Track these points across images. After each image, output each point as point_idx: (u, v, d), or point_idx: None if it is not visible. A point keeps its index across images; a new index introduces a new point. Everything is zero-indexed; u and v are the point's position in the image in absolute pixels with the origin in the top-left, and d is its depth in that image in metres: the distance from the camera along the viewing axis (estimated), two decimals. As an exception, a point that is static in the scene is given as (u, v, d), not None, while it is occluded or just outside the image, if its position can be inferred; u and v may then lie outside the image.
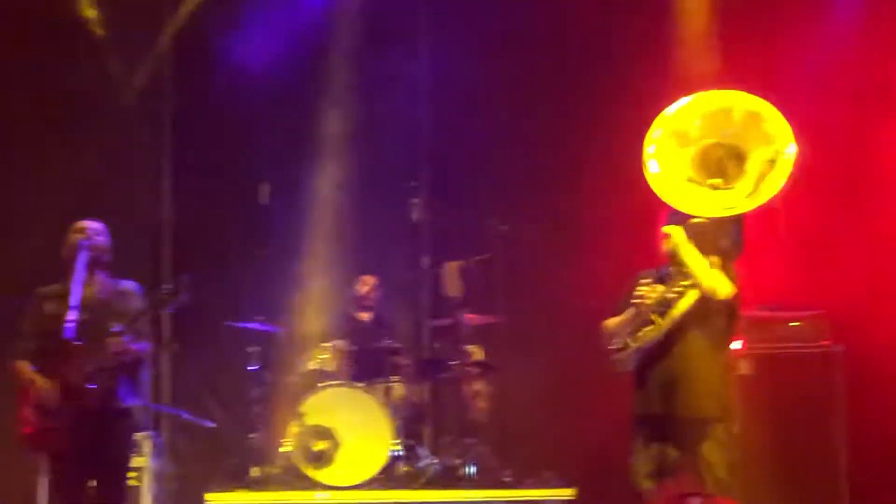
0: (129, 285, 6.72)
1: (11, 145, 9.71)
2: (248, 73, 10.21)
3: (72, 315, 6.28)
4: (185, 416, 9.03)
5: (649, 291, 6.05)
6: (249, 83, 10.23)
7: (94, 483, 6.44)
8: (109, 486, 6.50)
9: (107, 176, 9.69)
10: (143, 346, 6.55)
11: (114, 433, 6.48)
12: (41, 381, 6.38)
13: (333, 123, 10.12)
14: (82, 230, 6.59)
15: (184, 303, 6.49)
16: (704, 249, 5.99)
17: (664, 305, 6.01)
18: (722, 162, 5.89)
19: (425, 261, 10.00)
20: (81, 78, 9.82)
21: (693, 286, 5.97)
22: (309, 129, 10.13)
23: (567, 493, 8.37)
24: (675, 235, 6.02)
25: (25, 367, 6.47)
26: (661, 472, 6.04)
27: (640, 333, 6.06)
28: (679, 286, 6.00)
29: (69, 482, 6.47)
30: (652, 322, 6.03)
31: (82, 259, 6.47)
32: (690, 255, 5.99)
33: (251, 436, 8.84)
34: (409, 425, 8.96)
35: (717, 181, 5.86)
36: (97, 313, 6.43)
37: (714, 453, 5.96)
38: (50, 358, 6.38)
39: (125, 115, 10.05)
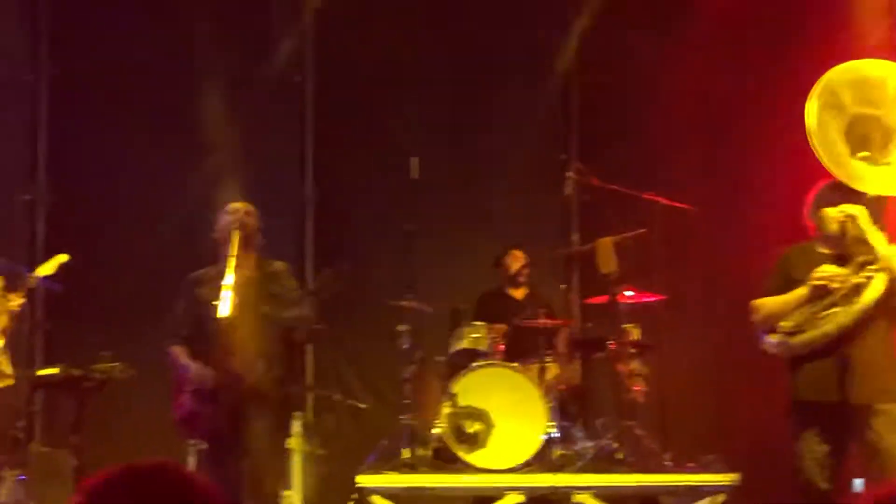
0: (279, 266, 6.90)
1: (151, 125, 10.02)
2: (392, 44, 10.42)
3: (226, 298, 6.45)
4: (337, 397, 9.26)
5: (833, 275, 5.94)
6: (394, 55, 10.44)
7: (248, 466, 6.62)
8: (264, 469, 6.69)
9: (248, 153, 9.97)
10: (303, 329, 6.77)
11: (270, 417, 6.68)
12: (197, 367, 6.59)
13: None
14: (235, 212, 6.76)
15: (341, 291, 6.69)
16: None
17: (850, 291, 5.90)
18: (868, 134, 5.78)
19: (576, 236, 10.09)
20: (223, 53, 10.07)
21: (881, 270, 5.85)
22: (457, 100, 10.32)
23: (730, 478, 8.22)
24: (861, 217, 5.84)
25: (181, 353, 6.68)
26: (836, 461, 6.04)
27: (820, 317, 5.94)
28: (868, 271, 5.88)
29: (223, 465, 6.69)
30: (831, 306, 5.92)
31: (235, 241, 6.64)
32: (878, 238, 5.85)
33: (402, 417, 8.79)
34: (565, 407, 8.96)
35: (866, 154, 5.76)
36: (251, 295, 6.61)
37: (897, 440, 5.95)
38: (206, 342, 6.60)
39: (266, 91, 10.31)
